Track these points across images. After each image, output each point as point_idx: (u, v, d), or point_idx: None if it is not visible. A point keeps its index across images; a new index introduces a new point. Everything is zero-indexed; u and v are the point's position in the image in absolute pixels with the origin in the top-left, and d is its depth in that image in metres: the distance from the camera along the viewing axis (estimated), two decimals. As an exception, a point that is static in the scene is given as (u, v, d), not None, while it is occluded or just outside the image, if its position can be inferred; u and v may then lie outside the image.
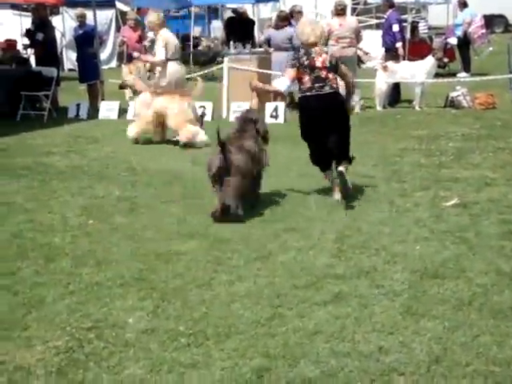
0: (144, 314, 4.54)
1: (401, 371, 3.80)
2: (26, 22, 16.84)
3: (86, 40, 13.77)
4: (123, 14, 20.80)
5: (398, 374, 3.77)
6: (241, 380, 3.68)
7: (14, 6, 19.65)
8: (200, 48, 21.83)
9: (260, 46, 15.93)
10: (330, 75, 7.32)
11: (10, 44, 15.18)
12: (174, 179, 8.37)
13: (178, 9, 23.05)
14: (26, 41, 15.85)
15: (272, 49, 13.85)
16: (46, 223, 6.66)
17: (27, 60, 15.24)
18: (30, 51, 15.75)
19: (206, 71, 15.76)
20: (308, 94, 7.33)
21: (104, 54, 19.97)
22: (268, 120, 12.65)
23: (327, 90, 7.28)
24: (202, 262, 5.56)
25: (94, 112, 13.43)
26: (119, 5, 22.79)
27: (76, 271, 5.38)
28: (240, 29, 16.93)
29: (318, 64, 7.32)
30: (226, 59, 13.87)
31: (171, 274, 5.30)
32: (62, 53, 19.48)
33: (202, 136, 10.38)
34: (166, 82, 10.76)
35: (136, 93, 11.06)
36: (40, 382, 3.68)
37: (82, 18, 13.96)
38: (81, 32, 13.96)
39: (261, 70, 13.15)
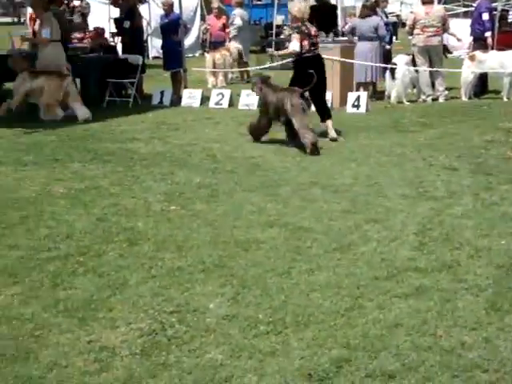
0: (224, 300, 4.59)
1: (484, 368, 3.72)
2: (114, 10, 17.19)
3: (172, 28, 13.96)
4: (207, 2, 20.99)
5: (481, 371, 3.69)
6: (319, 370, 3.68)
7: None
8: (282, 36, 21.79)
9: (343, 35, 15.79)
10: (319, 41, 10.25)
11: (98, 32, 15.53)
12: (256, 167, 8.41)
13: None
14: (114, 29, 16.21)
15: (356, 38, 13.71)
16: (129, 208, 6.80)
17: (114, 48, 15.57)
18: (117, 39, 16.09)
19: (287, 60, 15.73)
20: (307, 54, 9.86)
21: (188, 43, 20.20)
22: (350, 110, 12.56)
23: (317, 52, 10.03)
24: (281, 250, 5.57)
25: (176, 100, 13.62)
26: (204, -7, 23.00)
27: (158, 255, 5.48)
28: (323, 17, 16.80)
29: (313, 32, 9.98)
30: (308, 48, 13.78)
31: (250, 261, 5.33)
32: (147, 41, 19.82)
33: None
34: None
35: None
36: (124, 363, 3.77)
37: (168, 7, 14.15)
38: (166, 20, 14.15)
39: (344, 60, 13.03)
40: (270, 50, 11.17)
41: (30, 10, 19.36)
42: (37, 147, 9.40)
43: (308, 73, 9.49)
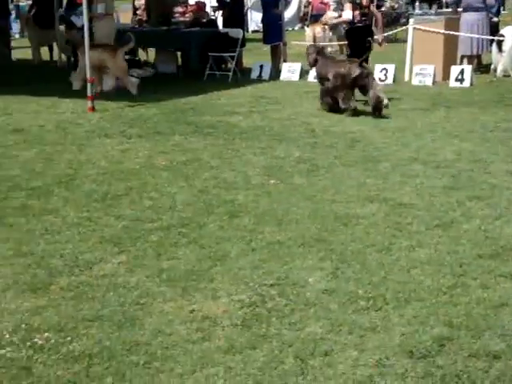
0: (323, 275, 4.59)
1: None
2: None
3: (272, 2, 13.93)
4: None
5: None
6: (421, 347, 3.63)
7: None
8: (383, 9, 21.37)
9: (447, 7, 15.33)
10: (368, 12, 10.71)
11: (199, 6, 15.69)
12: (355, 142, 8.34)
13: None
14: (215, 3, 16.34)
15: (461, 9, 13.28)
16: (229, 180, 6.89)
17: (215, 22, 15.70)
18: (218, 13, 16.20)
19: (389, 32, 15.44)
20: (358, 24, 10.52)
21: (287, 16, 20.10)
22: (453, 84, 12.23)
23: (368, 23, 10.69)
24: (381, 226, 5.51)
25: (276, 73, 13.62)
26: (304, -35, 22.75)
27: (258, 229, 5.53)
28: (427, -12, 16.38)
29: (364, 3, 10.58)
30: (411, 20, 13.49)
31: (350, 236, 5.31)
32: (246, 14, 19.87)
33: None
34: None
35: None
36: (226, 333, 3.84)
37: (268, -21, 14.12)
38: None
39: (448, 32, 12.67)
40: (322, 19, 11.69)
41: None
42: (140, 120, 9.63)
43: (361, 42, 10.33)
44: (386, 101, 9.72)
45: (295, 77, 13.34)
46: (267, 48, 14.83)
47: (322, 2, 14.31)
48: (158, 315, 4.07)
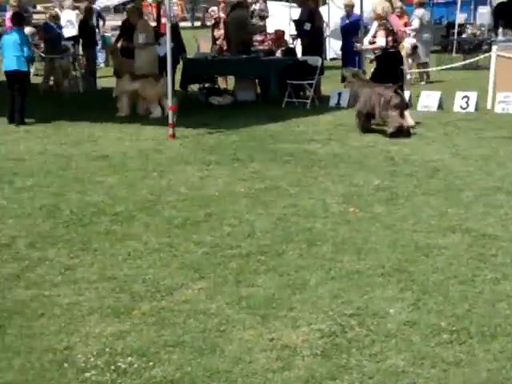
0: (405, 306, 4.53)
1: None
2: (295, 12, 17.47)
3: (352, 29, 13.95)
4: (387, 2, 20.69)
5: None
6: (508, 384, 3.53)
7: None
8: (464, 35, 21.10)
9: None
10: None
11: (278, 35, 15.84)
12: (435, 171, 8.22)
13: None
14: (294, 31, 16.48)
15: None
16: (308, 208, 6.89)
17: (294, 50, 15.80)
18: (296, 41, 16.31)
19: (470, 60, 15.23)
20: (390, 50, 10.80)
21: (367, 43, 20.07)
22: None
23: (398, 49, 11.15)
24: (463, 257, 5.40)
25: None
26: (384, -7, 22.71)
27: (337, 257, 5.50)
28: (510, 15, 16.08)
29: (395, 30, 11.08)
30: (494, 47, 13.26)
31: (431, 267, 5.22)
32: (325, 42, 19.92)
33: None
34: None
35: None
36: (306, 363, 3.82)
37: (350, 8, 14.15)
38: (347, 22, 14.16)
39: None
40: (357, 45, 11.89)
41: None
42: (219, 147, 9.76)
43: (393, 68, 10.74)
44: (407, 123, 10.44)
45: (374, 104, 13.25)
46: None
47: (401, 30, 14.22)
48: (238, 342, 4.09)
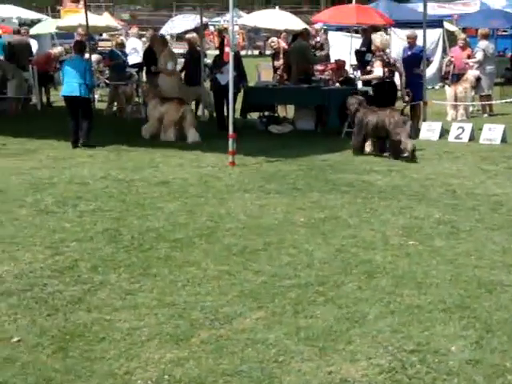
0: (467, 344, 4.44)
1: None
2: (356, 42, 17.49)
3: (414, 61, 13.88)
4: (450, 33, 20.62)
5: None
6: None
7: (345, 29, 20.64)
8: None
9: None
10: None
11: (339, 64, 15.88)
12: (499, 205, 8.07)
13: (506, 28, 22.22)
14: (354, 61, 16.48)
15: None
16: (367, 240, 6.83)
17: (353, 80, 15.80)
18: (357, 71, 16.29)
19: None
20: (386, 80, 11.68)
21: (428, 74, 19.96)
22: None
23: (393, 79, 11.91)
24: (529, 295, 5.27)
25: (415, 132, 13.47)
26: (447, 25, 22.60)
27: (396, 291, 5.44)
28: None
29: (392, 61, 11.95)
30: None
31: (495, 304, 5.11)
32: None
33: None
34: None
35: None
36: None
37: (412, 40, 14.10)
38: (409, 53, 14.11)
39: None
40: (357, 75, 12.37)
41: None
42: (278, 176, 9.78)
43: (388, 96, 11.65)
44: (409, 146, 10.87)
45: (435, 136, 13.14)
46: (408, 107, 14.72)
47: (466, 63, 14.10)
48: (296, 374, 4.07)
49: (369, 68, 12.02)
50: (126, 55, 17.43)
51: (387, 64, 11.78)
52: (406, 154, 10.87)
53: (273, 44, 16.75)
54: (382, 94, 11.74)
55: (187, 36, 16.66)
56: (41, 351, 4.41)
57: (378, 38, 11.91)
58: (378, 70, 11.69)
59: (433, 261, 6.15)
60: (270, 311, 5.07)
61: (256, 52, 43.21)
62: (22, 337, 4.62)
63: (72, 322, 4.88)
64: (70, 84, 12.10)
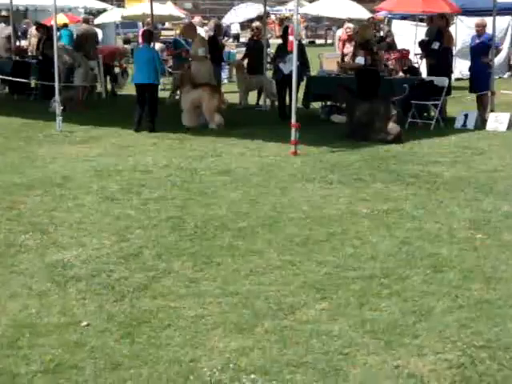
0: (539, 341, 4.31)
1: None
2: (421, 31, 17.21)
3: (482, 49, 13.56)
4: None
5: None
6: None
7: (409, 17, 20.30)
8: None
9: None
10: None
11: (404, 54, 15.62)
12: None
13: None
14: (418, 50, 16.21)
15: None
16: (433, 232, 6.71)
17: (418, 69, 15.56)
18: (421, 60, 16.04)
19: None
20: (369, 68, 12.01)
21: (496, 64, 19.47)
22: None
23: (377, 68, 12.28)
24: None
25: (481, 123, 13.19)
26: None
27: (464, 285, 5.33)
28: None
29: (375, 50, 12.44)
30: None
31: None
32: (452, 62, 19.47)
33: None
34: None
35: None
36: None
37: (481, 28, 13.77)
38: (478, 41, 13.78)
39: None
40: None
41: (339, 33, 20.12)
42: (341, 166, 9.69)
43: (371, 84, 11.88)
44: (394, 130, 11.43)
45: (502, 127, 12.81)
46: (471, 96, 14.42)
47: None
48: (362, 367, 4.02)
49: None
50: (189, 44, 17.52)
51: (370, 53, 12.21)
52: (389, 138, 11.36)
53: (348, 30, 16.51)
54: (365, 81, 12.03)
55: (253, 24, 16.65)
56: (108, 336, 4.47)
57: (363, 29, 12.84)
58: (359, 59, 12.16)
59: (502, 255, 6.00)
60: (334, 302, 5.03)
61: (318, 41, 42.95)
62: (90, 321, 4.70)
63: (138, 308, 4.93)
64: (141, 72, 12.50)
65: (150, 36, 13.37)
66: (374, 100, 11.68)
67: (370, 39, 12.56)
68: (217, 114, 12.77)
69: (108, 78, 18.24)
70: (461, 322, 4.62)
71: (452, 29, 20.04)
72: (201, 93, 12.72)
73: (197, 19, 21.45)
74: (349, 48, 15.48)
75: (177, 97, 16.84)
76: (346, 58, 15.62)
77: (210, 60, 13.71)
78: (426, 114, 13.73)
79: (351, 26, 16.77)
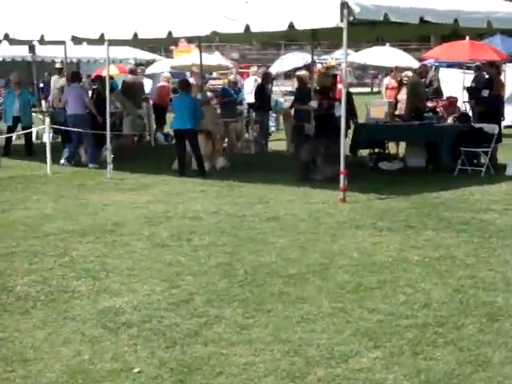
0: None
1: None
2: (469, 79, 17.17)
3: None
4: None
5: None
6: None
7: (456, 65, 20.31)
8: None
9: None
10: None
11: (452, 101, 15.62)
12: None
13: None
14: (466, 98, 16.16)
15: None
16: (487, 280, 6.59)
17: (468, 116, 15.48)
18: (469, 107, 15.96)
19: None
20: (324, 112, 12.52)
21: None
22: None
23: (332, 112, 12.40)
24: None
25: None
26: None
27: (521, 335, 5.19)
28: None
29: (331, 95, 12.78)
30: None
31: None
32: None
33: None
34: None
35: None
36: None
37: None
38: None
39: None
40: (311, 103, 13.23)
41: (386, 81, 20.17)
42: (390, 213, 9.62)
43: (325, 126, 12.36)
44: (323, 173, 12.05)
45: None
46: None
47: None
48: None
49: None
50: (237, 93, 17.79)
51: (327, 98, 12.73)
52: (321, 177, 11.98)
53: (405, 79, 16.32)
54: (321, 124, 12.64)
55: (297, 73, 16.81)
56: (161, 383, 4.46)
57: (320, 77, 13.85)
58: (313, 103, 12.90)
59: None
60: (387, 351, 4.95)
61: (364, 89, 43.10)
62: (142, 368, 4.70)
63: (189, 354, 4.92)
64: (180, 118, 12.96)
65: (188, 85, 13.92)
66: (316, 140, 12.42)
67: (328, 86, 13.01)
68: (220, 158, 13.40)
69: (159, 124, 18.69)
70: (520, 373, 4.50)
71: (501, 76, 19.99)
72: (200, 138, 13.17)
73: (254, 69, 22.13)
74: (403, 95, 15.34)
75: (225, 144, 17.03)
76: (399, 105, 15.54)
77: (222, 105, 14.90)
78: (476, 161, 13.61)
79: (410, 73, 16.61)
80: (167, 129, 17.87)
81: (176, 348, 5.04)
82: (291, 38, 29.03)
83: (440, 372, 4.56)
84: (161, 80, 20.11)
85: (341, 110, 10.98)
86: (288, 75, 36.80)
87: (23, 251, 7.70)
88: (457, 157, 13.16)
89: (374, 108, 17.94)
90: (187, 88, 13.64)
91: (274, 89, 22.44)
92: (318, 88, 13.34)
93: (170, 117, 16.50)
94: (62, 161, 14.26)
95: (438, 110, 16.15)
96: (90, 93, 15.59)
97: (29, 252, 7.67)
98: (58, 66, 20.11)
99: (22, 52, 21.22)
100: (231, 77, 19.66)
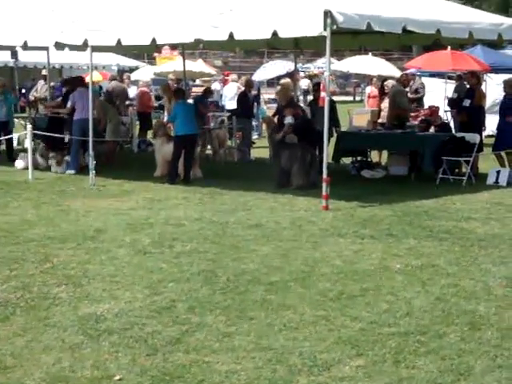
0: None
1: None
2: (450, 88, 17.29)
3: (510, 108, 13.59)
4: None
5: None
6: None
7: (438, 75, 20.44)
8: None
9: None
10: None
11: (433, 110, 15.67)
12: None
13: None
14: (448, 107, 16.25)
15: None
16: (468, 289, 6.62)
17: (448, 125, 15.56)
18: (450, 117, 16.05)
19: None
20: (300, 121, 12.81)
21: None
22: None
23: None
24: None
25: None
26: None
27: (503, 344, 5.22)
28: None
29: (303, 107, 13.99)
30: None
31: None
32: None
33: None
34: None
35: None
36: None
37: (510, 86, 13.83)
38: (507, 100, 13.82)
39: None
40: (277, 136, 13.06)
41: (368, 90, 20.28)
42: (373, 221, 9.64)
43: (308, 135, 12.43)
44: (295, 182, 12.25)
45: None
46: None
47: None
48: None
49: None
50: (217, 101, 17.81)
51: (297, 108, 13.25)
52: (296, 185, 12.07)
53: (387, 89, 16.40)
54: (302, 133, 12.61)
55: (281, 81, 16.84)
56: (142, 391, 4.43)
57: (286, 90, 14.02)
58: (288, 119, 12.73)
59: (543, 313, 5.88)
60: (369, 359, 4.95)
61: (347, 98, 43.29)
62: (123, 375, 4.66)
63: (171, 362, 4.88)
64: (190, 123, 13.09)
65: (182, 93, 14.17)
66: (294, 147, 12.41)
67: (292, 98, 13.56)
68: (193, 167, 13.37)
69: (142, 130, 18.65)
70: (501, 382, 4.50)
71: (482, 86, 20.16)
72: (172, 148, 13.15)
73: (233, 76, 22.02)
74: (386, 103, 15.42)
75: (206, 152, 17.02)
76: (382, 113, 15.62)
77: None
78: (457, 171, 13.69)
79: (392, 82, 16.67)
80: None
81: (157, 355, 5.01)
82: (274, 46, 29.10)
83: (422, 381, 4.56)
84: (139, 86, 20.09)
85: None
86: (271, 83, 36.88)
87: (3, 257, 7.63)
88: (439, 166, 13.24)
89: (357, 116, 18.04)
90: (183, 96, 13.93)
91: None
92: (283, 104, 13.58)
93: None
94: (69, 170, 14.02)
95: (419, 118, 16.21)
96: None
97: (9, 258, 7.60)
98: (44, 72, 20.00)
99: (4, 58, 21.11)
100: (214, 85, 19.68)
